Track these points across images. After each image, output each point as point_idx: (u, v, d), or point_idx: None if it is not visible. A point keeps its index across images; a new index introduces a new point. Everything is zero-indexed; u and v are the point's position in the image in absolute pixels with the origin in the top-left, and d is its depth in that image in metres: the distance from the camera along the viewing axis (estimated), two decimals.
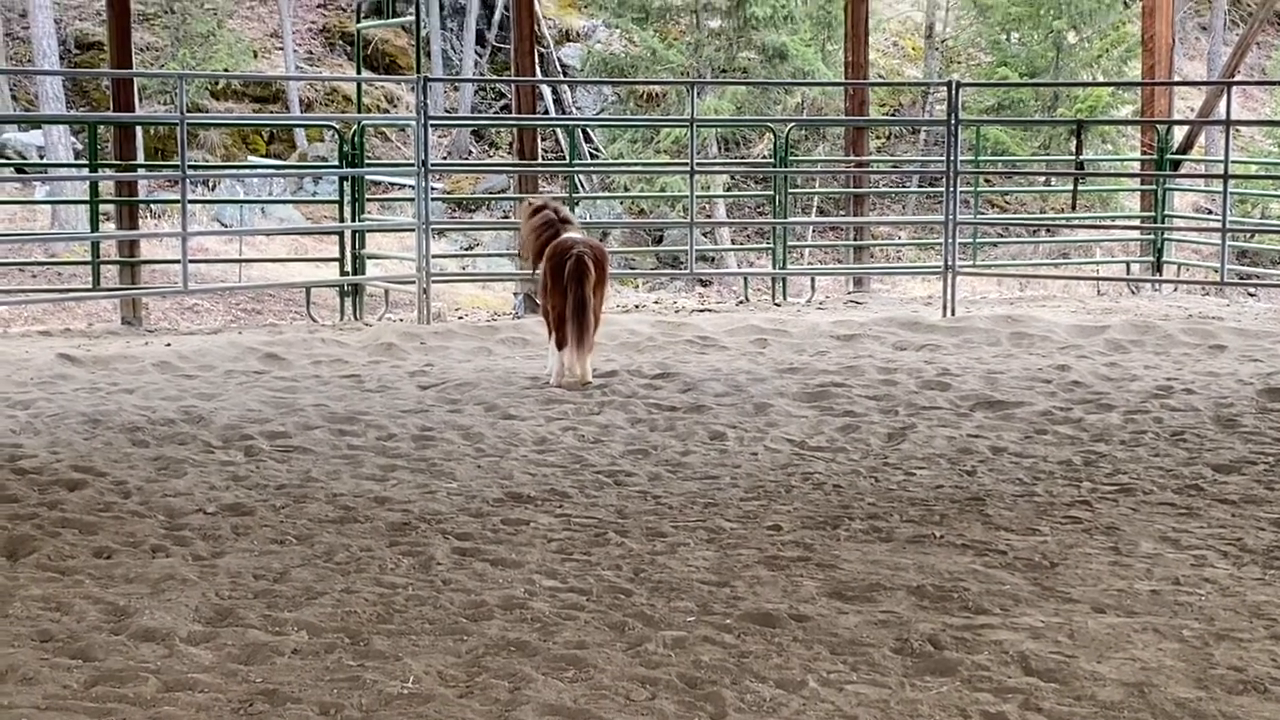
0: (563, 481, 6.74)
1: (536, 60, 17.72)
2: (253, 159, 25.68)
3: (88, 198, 12.74)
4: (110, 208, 13.49)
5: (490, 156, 27.47)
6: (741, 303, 14.34)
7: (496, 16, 29.08)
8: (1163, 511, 6.20)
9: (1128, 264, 16.01)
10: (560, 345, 9.21)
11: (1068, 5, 25.67)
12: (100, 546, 5.56)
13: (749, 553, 5.53)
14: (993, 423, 8.15)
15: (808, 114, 25.55)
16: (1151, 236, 15.29)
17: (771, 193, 14.80)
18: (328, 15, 29.74)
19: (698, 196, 13.81)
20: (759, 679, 4.16)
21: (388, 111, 27.54)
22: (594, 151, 26.86)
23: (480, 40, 29.20)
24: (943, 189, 13.02)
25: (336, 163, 14.00)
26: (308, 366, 10.00)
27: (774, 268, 14.57)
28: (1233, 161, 13.66)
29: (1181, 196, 20.98)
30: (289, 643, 4.45)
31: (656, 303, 15.47)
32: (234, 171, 22.51)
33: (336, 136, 13.88)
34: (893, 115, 28.48)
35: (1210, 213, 21.15)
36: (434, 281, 12.61)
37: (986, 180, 22.45)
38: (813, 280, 14.82)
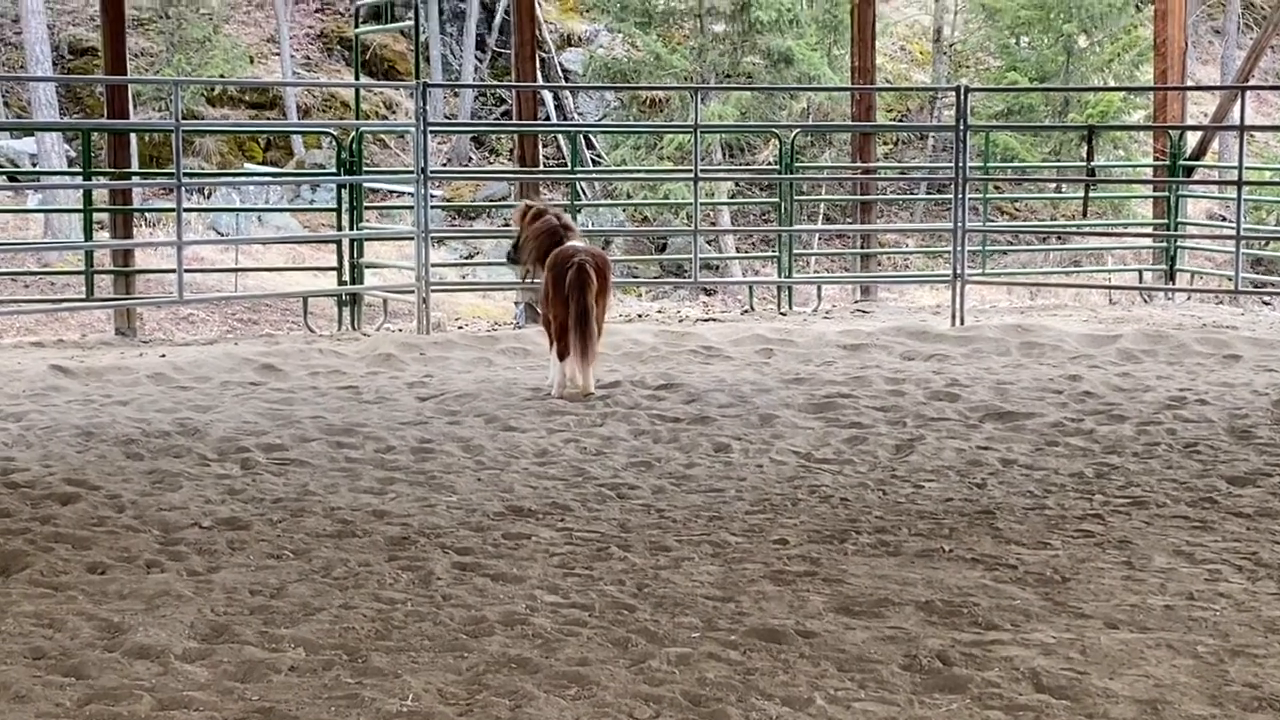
0: (564, 495, 6.75)
1: (538, 65, 17.75)
2: (249, 166, 25.73)
3: (81, 206, 12.76)
4: (104, 216, 13.53)
5: (491, 163, 27.51)
6: (746, 312, 14.35)
7: (497, 21, 29.14)
8: (1176, 525, 6.20)
9: (1140, 272, 16.01)
10: (562, 356, 9.22)
11: (1078, 9, 25.69)
12: (94, 562, 5.57)
13: (754, 567, 5.53)
14: (1003, 434, 8.15)
15: (813, 119, 25.60)
16: (1164, 244, 15.29)
17: (777, 200, 14.82)
18: (325, 20, 29.80)
19: (702, 204, 13.82)
20: (765, 696, 4.16)
21: (386, 118, 27.59)
22: (596, 158, 26.90)
23: (480, 45, 29.26)
24: (951, 196, 13.03)
25: (334, 170, 14.03)
26: (305, 378, 10.01)
27: (779, 276, 14.58)
28: (1247, 167, 13.67)
29: (1195, 203, 21.00)
30: (286, 660, 4.45)
31: (660, 312, 15.48)
32: (230, 179, 22.55)
33: (334, 143, 13.91)
34: (900, 121, 28.52)
35: (1224, 220, 21.16)
36: (433, 291, 12.62)
37: (996, 187, 22.48)
38: (819, 289, 14.83)
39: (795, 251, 15.13)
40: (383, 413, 8.73)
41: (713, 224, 24.18)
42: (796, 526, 6.17)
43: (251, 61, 27.85)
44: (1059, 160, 24.50)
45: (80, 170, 13.46)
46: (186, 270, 12.02)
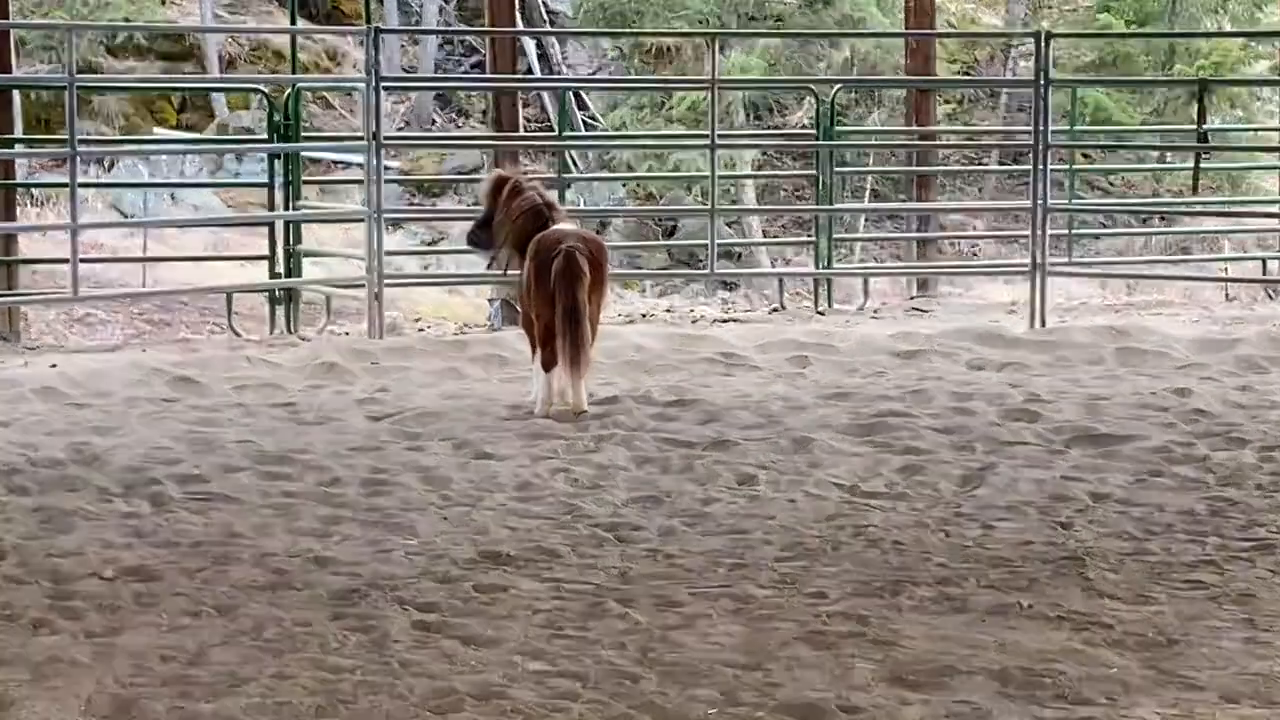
0: (551, 537, 6.74)
1: (516, 6, 17.78)
2: (159, 132, 25.76)
3: None
4: None
5: (459, 127, 27.54)
6: (776, 310, 14.35)
7: None
8: None
9: (1264, 261, 16.00)
10: (548, 365, 9.22)
11: None
12: None
13: (786, 627, 5.53)
14: (1094, 462, 8.14)
15: (859, 73, 25.62)
16: None
17: (814, 172, 14.83)
18: None
19: (720, 177, 13.85)
20: None
21: (329, 71, 27.62)
22: (589, 120, 26.92)
23: None
24: (1029, 167, 13.03)
25: (265, 136, 14.03)
26: (229, 393, 10.01)
27: (817, 266, 14.58)
28: None
29: None
30: None
31: (669, 311, 15.49)
32: (136, 147, 22.57)
33: (265, 103, 13.91)
34: (966, 74, 28.54)
35: None
36: (388, 285, 12.64)
37: (1085, 156, 22.48)
38: (866, 282, 14.84)
39: (836, 236, 15.15)
40: (326, 436, 8.73)
41: (734, 202, 24.17)
42: (838, 576, 6.17)
43: (163, 3, 27.90)
44: (1163, 123, 24.52)
45: None
46: (82, 260, 12.02)
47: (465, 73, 27.88)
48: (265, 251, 13.53)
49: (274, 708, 4.74)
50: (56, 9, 25.97)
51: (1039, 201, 12.65)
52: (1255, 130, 21.90)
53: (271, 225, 13.43)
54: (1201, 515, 7.13)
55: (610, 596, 5.90)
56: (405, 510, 7.20)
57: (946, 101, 27.35)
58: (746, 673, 5.05)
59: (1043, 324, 12.47)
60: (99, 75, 25.06)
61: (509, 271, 9.85)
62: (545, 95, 26.33)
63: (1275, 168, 17.78)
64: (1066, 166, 16.32)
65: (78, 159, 11.67)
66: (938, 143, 18.32)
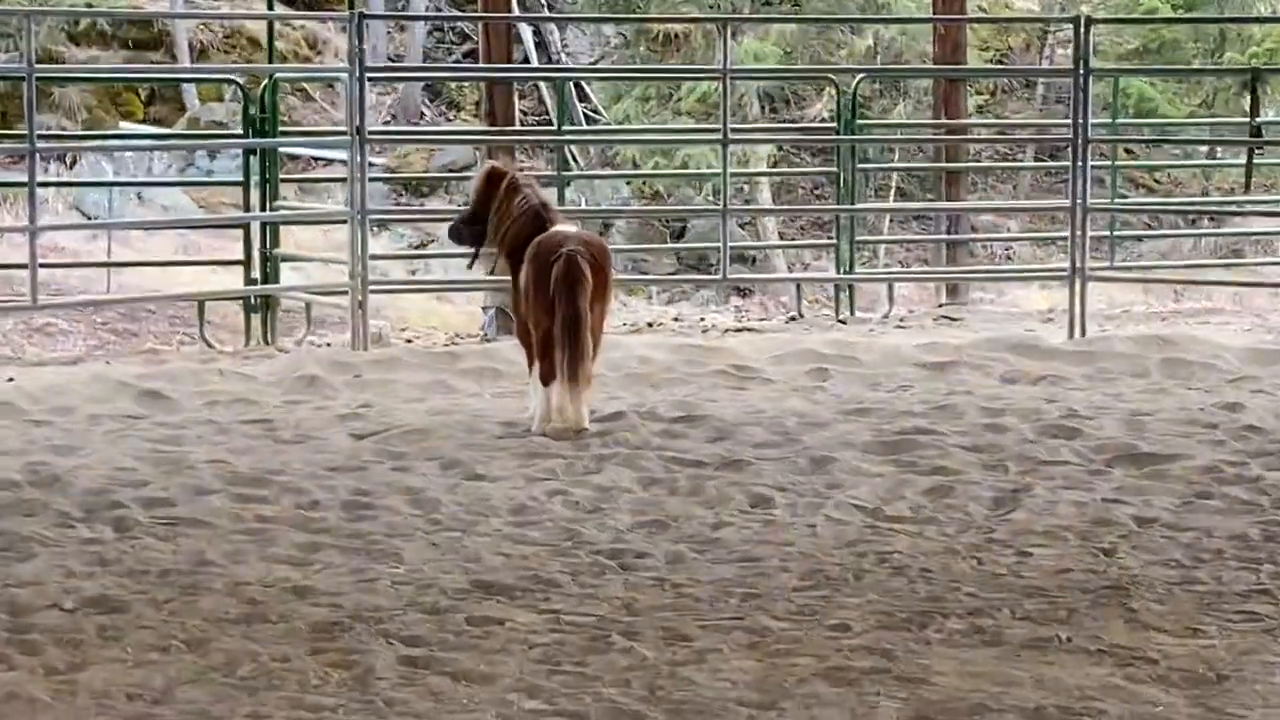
0: (549, 565, 6.73)
1: None
2: (126, 126, 25.80)
3: None
4: None
5: (450, 121, 27.56)
6: (793, 319, 14.36)
7: None
8: None
9: None
10: (546, 378, 9.22)
11: None
12: None
13: (805, 662, 5.52)
14: (1138, 483, 8.13)
15: (883, 62, 25.64)
16: None
17: (834, 169, 14.84)
18: None
19: (732, 175, 13.84)
20: None
21: (309, 60, 27.67)
22: (591, 114, 26.95)
23: None
24: (1068, 163, 13.04)
25: (240, 130, 14.06)
26: (200, 409, 10.01)
27: (837, 271, 14.58)
28: None
29: None
30: None
31: (677, 319, 15.50)
32: (101, 143, 22.60)
33: (240, 95, 13.93)
34: (999, 63, 28.56)
35: None
36: (373, 291, 12.64)
37: (1128, 151, 22.51)
38: (890, 288, 14.85)
39: (858, 238, 15.15)
40: (305, 456, 8.72)
41: (747, 202, 24.20)
42: (861, 607, 6.16)
43: None
44: (1212, 115, 24.53)
45: None
46: (42, 265, 12.02)
47: (456, 62, 27.92)
48: (240, 255, 13.54)
49: None
50: None
51: (1078, 201, 12.65)
52: None
53: (246, 227, 13.44)
54: (1254, 540, 7.11)
55: (613, 629, 5.88)
56: (390, 536, 7.18)
57: (978, 92, 27.39)
58: (761, 712, 5.04)
59: (1082, 333, 12.47)
60: (60, 65, 25.11)
61: (495, 275, 9.84)
62: (543, 86, 26.35)
63: None
64: (1108, 163, 16.33)
65: (37, 156, 11.68)
66: (968, 137, 18.35)
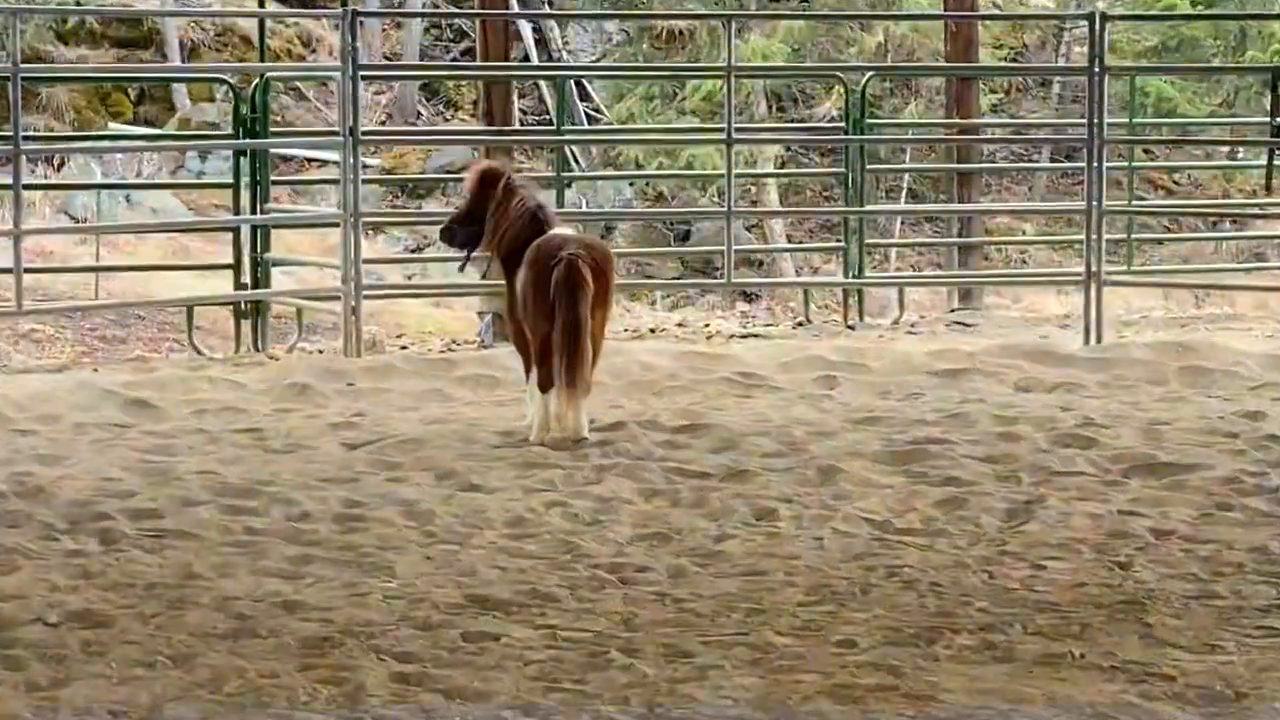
0: (547, 579, 6.73)
1: None
2: (115, 127, 25.82)
3: None
4: None
5: (447, 121, 27.59)
6: (801, 324, 14.36)
7: None
8: None
9: None
10: (545, 386, 9.22)
11: None
12: None
13: (810, 679, 5.51)
14: (1155, 494, 8.12)
15: (893, 59, 25.65)
16: None
17: (843, 170, 14.84)
18: None
19: (738, 175, 13.86)
20: None
21: (302, 59, 27.70)
22: (593, 113, 26.97)
23: None
24: (1084, 164, 13.03)
25: (231, 131, 14.06)
26: (189, 418, 10.02)
27: (846, 275, 14.58)
28: None
29: None
30: None
31: (681, 325, 15.50)
32: (88, 144, 22.62)
33: (231, 94, 13.94)
34: (1013, 61, 28.57)
35: None
36: (367, 297, 12.64)
37: (1146, 152, 22.51)
38: (901, 293, 14.83)
39: (868, 241, 15.14)
40: (296, 466, 8.73)
41: (753, 203, 24.22)
42: (868, 623, 6.15)
43: None
44: (1233, 115, 24.53)
45: None
46: (27, 270, 12.03)
47: (453, 60, 27.94)
48: (230, 260, 13.54)
49: None
50: None
51: (1094, 203, 12.65)
52: None
53: (237, 230, 13.44)
54: (1275, 554, 7.09)
55: (612, 645, 5.88)
56: (383, 549, 7.18)
57: (992, 91, 27.39)
58: None
59: (1099, 340, 12.46)
60: (47, 65, 25.15)
61: (490, 279, 9.84)
62: (543, 85, 26.37)
63: None
64: (1125, 164, 16.32)
65: (23, 157, 11.68)
66: (981, 138, 18.35)
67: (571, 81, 24.29)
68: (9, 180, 11.96)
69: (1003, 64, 27.40)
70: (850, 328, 13.95)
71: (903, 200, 24.81)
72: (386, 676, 5.55)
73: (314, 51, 28.01)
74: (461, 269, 10.09)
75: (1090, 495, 8.10)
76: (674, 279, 21.76)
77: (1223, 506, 7.89)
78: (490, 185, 9.52)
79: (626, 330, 14.29)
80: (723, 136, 13.38)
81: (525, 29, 27.61)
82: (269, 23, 22.03)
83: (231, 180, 13.69)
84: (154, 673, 5.60)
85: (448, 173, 23.55)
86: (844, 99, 14.95)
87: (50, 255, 20.24)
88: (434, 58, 28.30)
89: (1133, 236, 16.02)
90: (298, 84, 27.36)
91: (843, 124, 15.23)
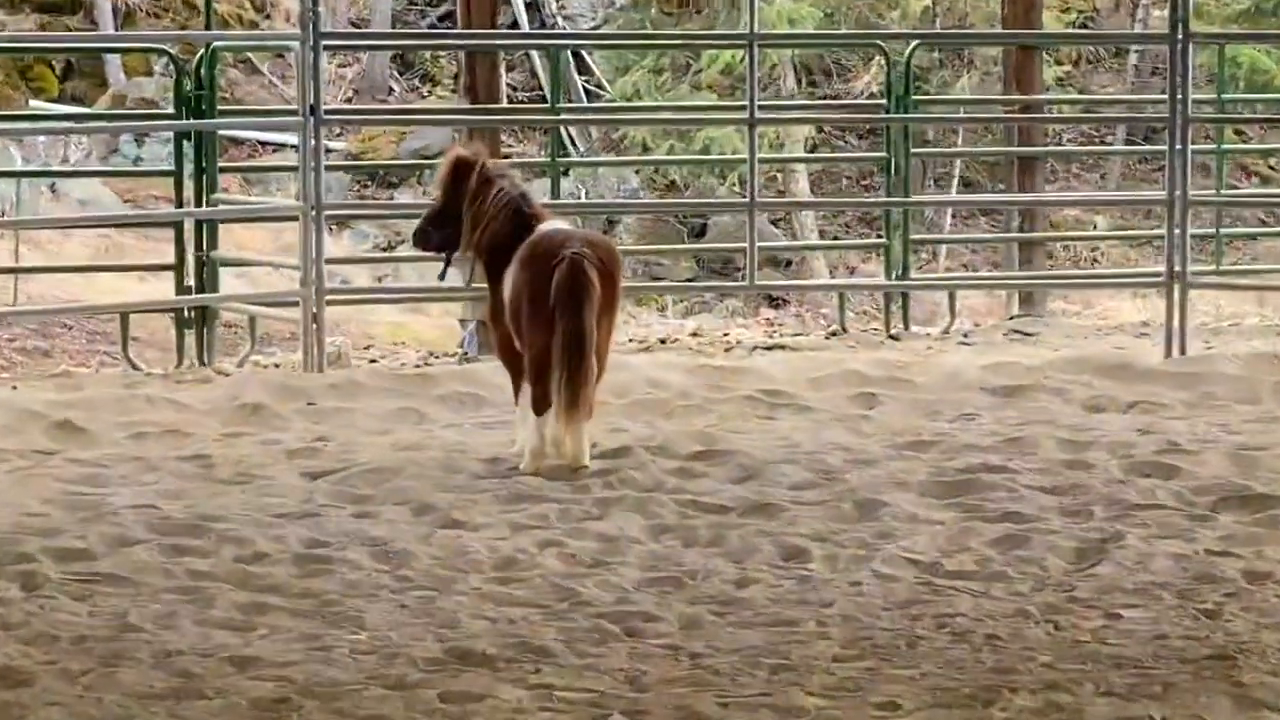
0: (541, 631, 6.73)
1: None
2: (38, 105, 25.86)
3: None
4: None
5: (423, 98, 27.62)
6: (835, 333, 14.35)
7: None
8: None
9: None
10: (539, 406, 9.20)
11: None
12: None
13: None
14: (1248, 530, 8.11)
15: (942, 26, 25.68)
16: None
17: (884, 154, 14.85)
18: None
19: (762, 160, 13.87)
20: None
21: (255, 26, 27.74)
22: (592, 88, 26.99)
23: None
24: (1164, 147, 13.02)
25: (172, 110, 14.08)
26: (124, 442, 10.01)
27: (888, 277, 14.58)
28: None
29: None
30: None
31: (695, 335, 15.49)
32: (5, 125, 22.63)
33: (172, 67, 13.96)
34: (1082, 27, 28.58)
35: None
36: (330, 302, 12.65)
37: (1237, 133, 22.51)
38: (952, 297, 14.83)
39: (913, 237, 15.14)
40: (249, 499, 8.72)
41: (780, 193, 24.23)
42: (914, 681, 6.14)
43: None
44: None
45: None
46: None
47: (431, 27, 27.99)
48: (171, 259, 13.56)
49: None
50: None
51: (1177, 192, 12.64)
52: None
53: (179, 225, 13.44)
54: None
55: (616, 707, 5.88)
56: (350, 596, 7.17)
57: (1058, 63, 27.41)
58: None
59: (1182, 351, 12.45)
60: None
61: (469, 280, 9.85)
62: (535, 56, 26.39)
63: None
64: (1213, 147, 16.33)
65: None
66: (1045, 116, 18.33)
67: (568, 52, 24.31)
68: None
69: (1070, 31, 27.41)
70: (893, 337, 13.94)
71: (954, 190, 24.82)
72: None
73: (268, 17, 28.06)
74: (442, 276, 10.07)
75: (1173, 532, 8.08)
76: (687, 281, 21.77)
77: None
78: (463, 176, 9.50)
79: (633, 341, 14.27)
80: (744, 116, 13.38)
81: None
82: None
83: (173, 167, 13.70)
84: None
85: (423, 158, 23.57)
86: (885, 72, 14.96)
87: None
88: (408, 24, 28.34)
89: (1221, 231, 16.02)
90: (249, 55, 27.39)
91: (884, 101, 15.23)
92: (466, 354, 13.77)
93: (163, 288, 13.96)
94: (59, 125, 22.26)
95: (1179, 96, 12.57)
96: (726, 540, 7.99)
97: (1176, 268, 12.65)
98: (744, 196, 13.27)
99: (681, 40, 24.75)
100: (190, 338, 13.22)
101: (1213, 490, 8.77)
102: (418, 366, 13.02)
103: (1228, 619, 6.87)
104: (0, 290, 19.20)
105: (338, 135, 24.91)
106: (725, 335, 15.32)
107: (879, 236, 15.93)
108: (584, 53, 26.97)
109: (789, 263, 23.86)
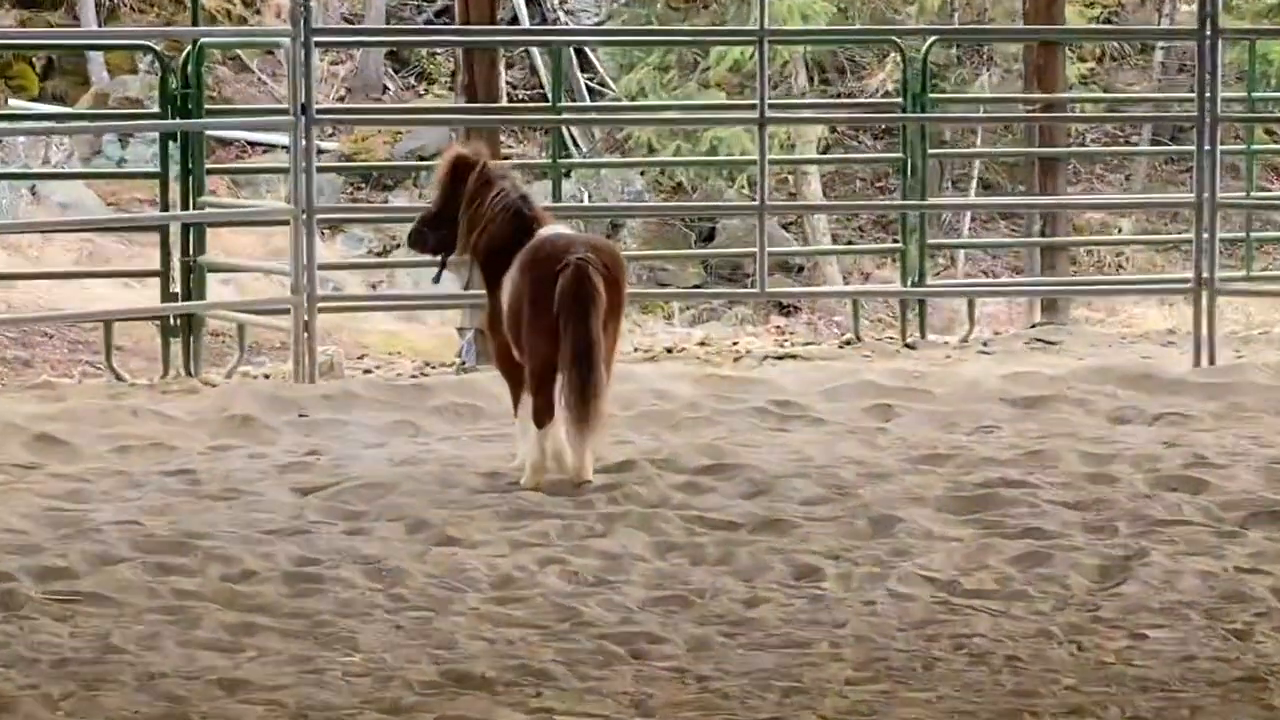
0: (541, 652, 6.73)
1: None
2: (17, 104, 25.87)
3: None
4: None
5: (419, 97, 27.63)
6: (849, 342, 14.35)
7: None
8: None
9: None
10: (541, 419, 9.19)
11: None
12: None
13: None
14: (1279, 548, 8.11)
15: (960, 21, 25.69)
16: None
17: (900, 155, 14.85)
18: None
19: (773, 162, 13.87)
20: None
21: (244, 21, 27.75)
22: (595, 86, 27.01)
23: None
24: (1192, 148, 13.02)
25: (157, 109, 14.09)
26: (108, 456, 10.01)
27: (904, 283, 14.57)
28: None
29: None
30: None
31: (703, 343, 15.49)
32: None
33: (158, 65, 13.97)
34: (1107, 23, 28.58)
35: None
36: (322, 310, 12.65)
37: (1268, 133, 22.49)
38: (971, 304, 14.83)
39: (930, 242, 15.14)
40: (237, 515, 8.71)
41: (792, 195, 24.25)
42: (931, 705, 6.15)
43: None
44: None
45: None
46: None
47: (427, 23, 27.99)
48: (156, 265, 13.56)
49: None
50: None
51: (1205, 195, 12.63)
52: None
53: (165, 229, 13.45)
54: None
55: None
56: (343, 616, 7.17)
57: (1081, 59, 27.41)
58: None
59: (1211, 360, 12.44)
60: None
61: (468, 285, 9.85)
62: (535, 53, 26.40)
63: None
64: (1243, 147, 16.32)
65: None
66: (1068, 115, 18.34)
67: (570, 49, 24.32)
68: None
69: (1094, 26, 27.41)
70: (909, 346, 13.94)
71: (973, 192, 24.82)
72: None
73: (258, 13, 28.08)
74: (436, 280, 10.07)
75: (1200, 549, 8.07)
76: (695, 288, 21.77)
77: None
78: (462, 177, 9.50)
79: (638, 350, 14.28)
80: (754, 115, 13.39)
81: None
82: None
83: (158, 168, 13.71)
84: None
85: (419, 159, 23.57)
86: (901, 69, 14.96)
87: None
88: (403, 20, 28.36)
89: (1252, 235, 16.01)
90: (238, 52, 27.41)
91: (899, 100, 15.24)
92: (464, 364, 13.78)
93: (148, 294, 13.98)
94: (40, 125, 22.25)
95: (1207, 94, 12.58)
96: (735, 558, 7.99)
97: (1205, 273, 12.65)
98: (754, 199, 13.29)
99: (689, 36, 24.76)
100: (176, 347, 13.22)
101: (1242, 505, 8.77)
102: (413, 377, 13.03)
103: (1258, 640, 6.87)
104: None
105: (330, 135, 24.92)
106: (734, 344, 15.31)
107: (895, 241, 15.93)
108: (587, 49, 26.97)
109: (801, 268, 23.87)
